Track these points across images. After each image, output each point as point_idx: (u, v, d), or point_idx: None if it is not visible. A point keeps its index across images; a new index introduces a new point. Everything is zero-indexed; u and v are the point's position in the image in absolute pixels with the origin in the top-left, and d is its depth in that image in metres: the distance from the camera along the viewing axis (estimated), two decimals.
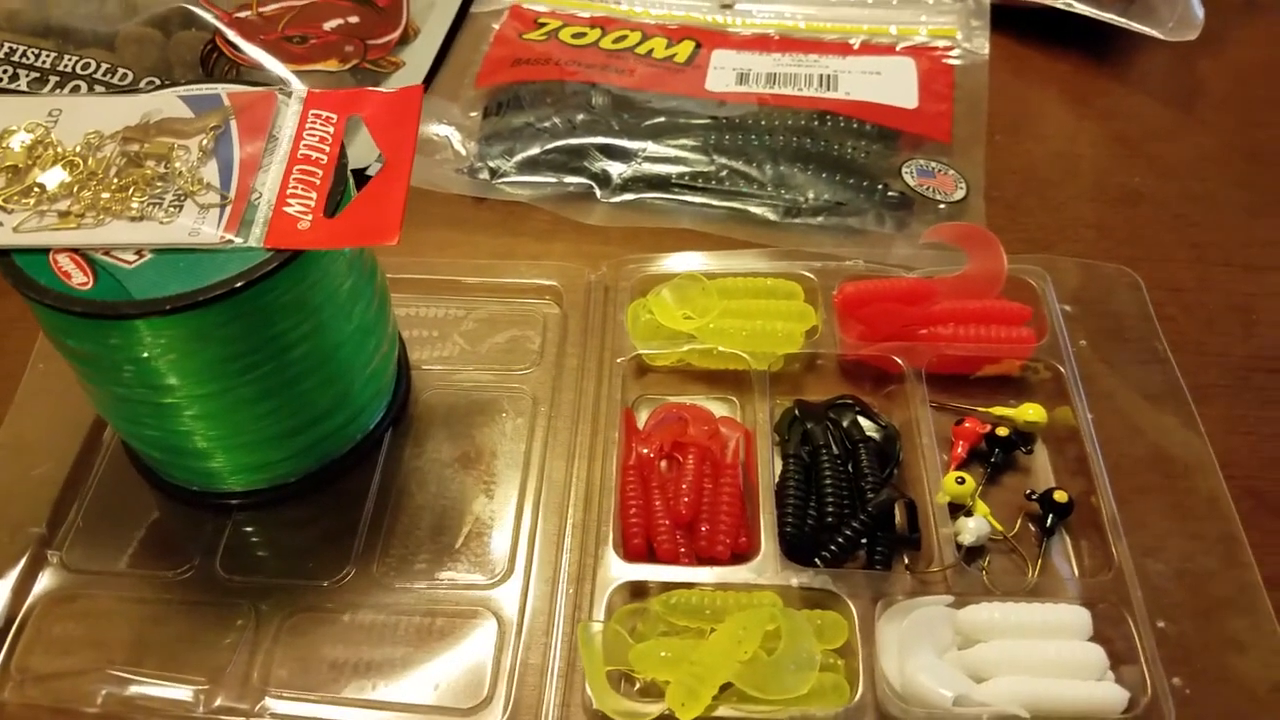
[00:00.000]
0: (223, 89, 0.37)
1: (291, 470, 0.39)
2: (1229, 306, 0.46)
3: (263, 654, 0.35)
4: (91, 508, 0.39)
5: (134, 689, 0.34)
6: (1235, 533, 0.37)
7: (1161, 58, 0.59)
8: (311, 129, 0.36)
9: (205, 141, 0.35)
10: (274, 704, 0.34)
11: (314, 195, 0.34)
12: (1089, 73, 0.58)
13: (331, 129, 0.36)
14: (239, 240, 0.32)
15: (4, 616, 0.36)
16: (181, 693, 0.34)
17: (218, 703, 0.34)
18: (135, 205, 0.33)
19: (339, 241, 0.33)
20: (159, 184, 0.34)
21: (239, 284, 0.31)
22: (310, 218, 0.33)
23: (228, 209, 0.33)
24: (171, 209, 0.33)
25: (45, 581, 0.37)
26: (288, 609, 0.37)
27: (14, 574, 0.37)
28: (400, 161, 0.35)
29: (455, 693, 0.34)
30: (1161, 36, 0.56)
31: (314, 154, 0.35)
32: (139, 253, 0.32)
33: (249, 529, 0.39)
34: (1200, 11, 0.55)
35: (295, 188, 0.34)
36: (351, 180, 0.35)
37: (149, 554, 0.38)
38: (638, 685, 0.34)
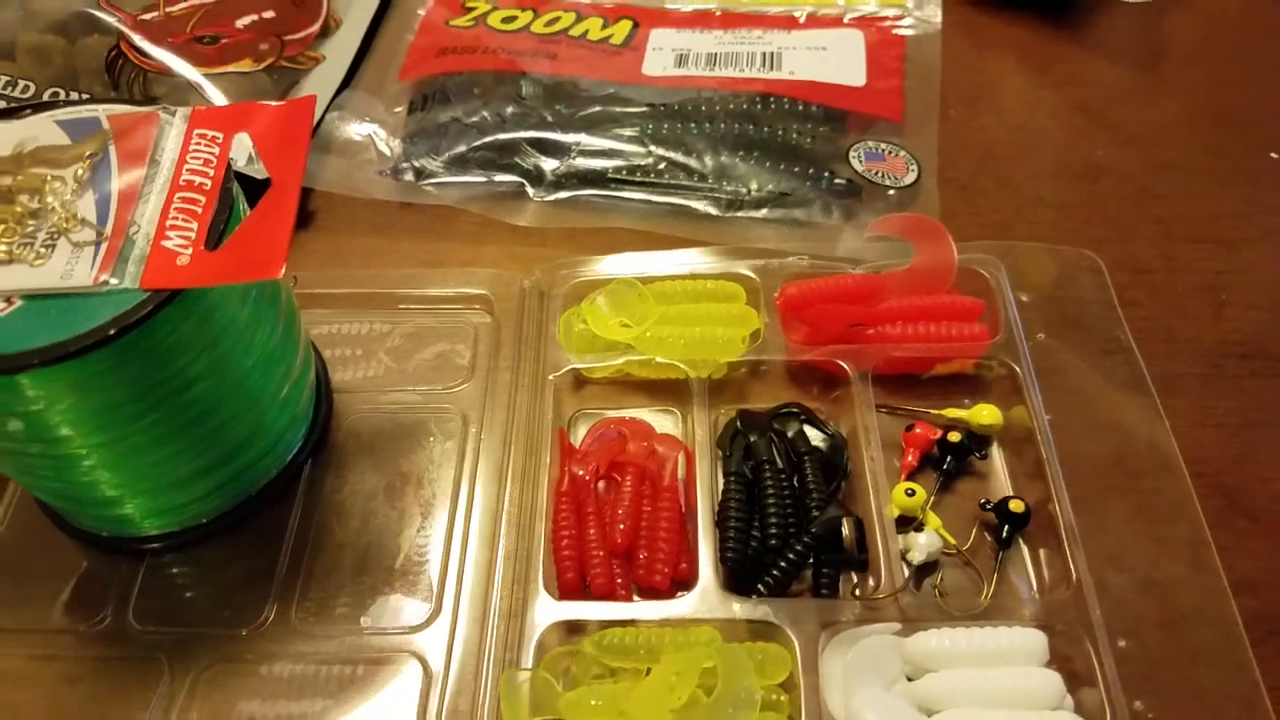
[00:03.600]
0: (102, 110, 0.34)
1: (206, 510, 0.37)
2: (1198, 287, 0.44)
3: (177, 712, 0.33)
4: None
5: None
6: (1202, 536, 0.35)
7: (1124, 16, 0.56)
8: (196, 151, 0.33)
9: (81, 171, 0.33)
10: None
11: (195, 225, 0.31)
12: (1048, 36, 0.56)
13: (217, 150, 0.33)
14: (114, 282, 0.30)
15: None
16: None
17: None
18: (4, 247, 0.31)
19: (219, 278, 0.30)
20: (31, 221, 0.31)
21: (112, 331, 0.29)
22: (190, 251, 0.30)
23: (103, 246, 0.31)
24: (43, 249, 0.31)
25: None
26: (204, 660, 0.35)
27: None
28: (288, 184, 0.32)
29: None
30: None
31: (197, 179, 0.32)
32: (8, 300, 0.30)
33: (164, 574, 0.37)
34: None
35: (176, 218, 0.31)
36: (241, 203, 0.33)
37: (60, 606, 0.36)
38: None
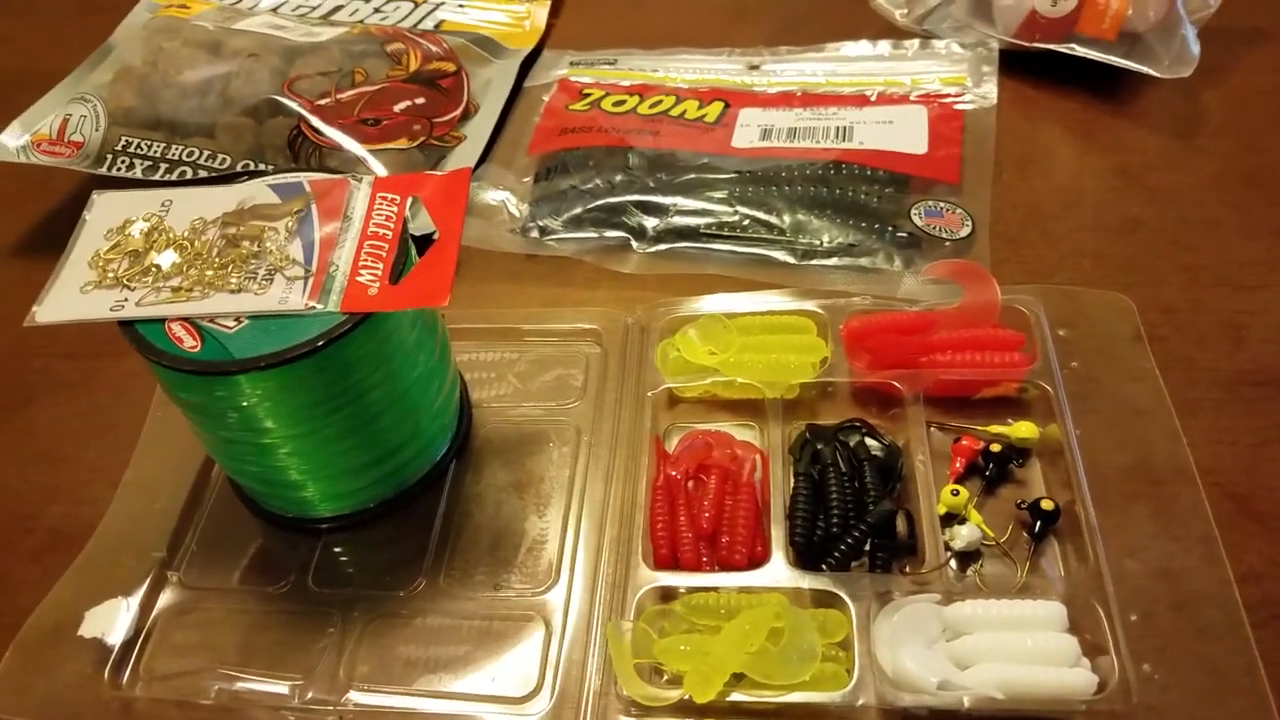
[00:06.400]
0: (304, 177, 0.44)
1: (371, 497, 0.45)
2: (1219, 324, 0.49)
3: (348, 654, 0.41)
4: (204, 534, 0.46)
5: (240, 685, 0.41)
6: (1212, 533, 0.41)
7: (1165, 92, 0.62)
8: (379, 209, 0.42)
9: (290, 224, 0.42)
10: (356, 696, 0.40)
11: (381, 266, 0.40)
12: (1094, 110, 0.62)
13: (395, 208, 0.42)
14: (320, 306, 0.39)
15: (134, 627, 0.43)
16: (280, 687, 0.40)
17: (310, 695, 0.40)
18: (234, 280, 0.40)
19: (401, 304, 0.39)
20: (253, 261, 0.41)
21: (320, 343, 0.38)
22: (378, 285, 0.39)
23: (310, 280, 0.40)
24: (264, 282, 0.40)
25: (166, 597, 0.44)
26: (369, 615, 0.43)
27: (140, 591, 0.44)
28: (451, 233, 0.41)
29: (509, 684, 0.40)
30: (1159, 74, 0.59)
31: (381, 230, 0.41)
32: (238, 319, 0.39)
33: (336, 549, 0.46)
34: (1196, 48, 0.59)
35: (366, 260, 0.40)
36: (413, 250, 0.42)
37: (252, 572, 0.45)
38: (666, 677, 0.39)
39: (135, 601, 0.44)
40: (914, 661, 0.36)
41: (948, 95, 0.63)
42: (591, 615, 0.41)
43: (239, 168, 0.60)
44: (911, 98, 0.63)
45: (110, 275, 0.40)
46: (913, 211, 0.55)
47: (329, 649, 0.42)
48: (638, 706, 0.38)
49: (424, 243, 0.42)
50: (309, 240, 0.41)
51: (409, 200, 0.43)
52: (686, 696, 0.37)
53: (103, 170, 0.60)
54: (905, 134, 0.60)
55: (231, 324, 0.39)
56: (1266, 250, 0.52)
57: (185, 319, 0.39)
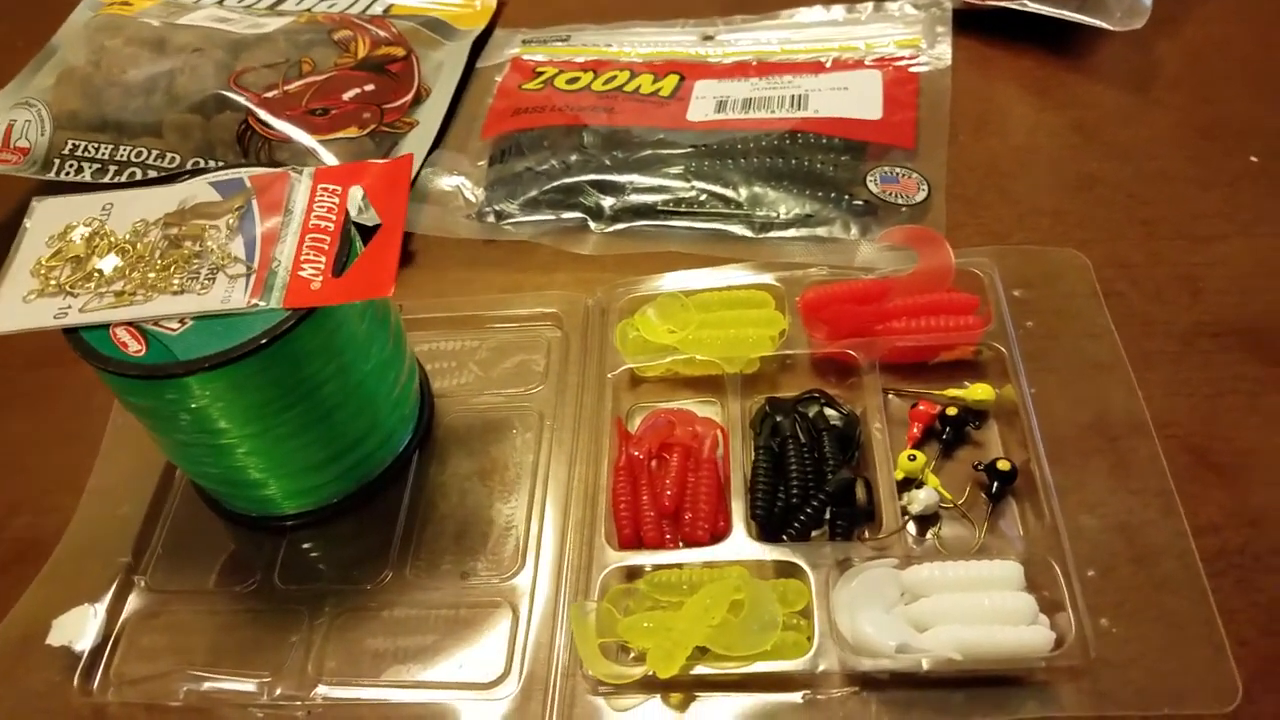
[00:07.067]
0: (245, 173, 0.43)
1: (334, 492, 0.45)
2: (1176, 277, 0.49)
3: (315, 649, 0.41)
4: (169, 538, 0.46)
5: (210, 685, 0.41)
6: (1169, 486, 0.41)
7: (1119, 46, 0.62)
8: (320, 201, 0.42)
9: (232, 221, 0.42)
10: (325, 690, 0.40)
11: (323, 259, 0.40)
12: (1049, 67, 0.62)
13: (337, 200, 0.42)
14: (263, 304, 0.38)
15: (102, 633, 0.43)
16: (248, 685, 0.41)
17: (278, 692, 0.40)
18: (176, 281, 0.40)
19: (345, 297, 0.39)
20: (195, 261, 0.40)
21: (264, 340, 0.38)
22: (321, 279, 0.39)
23: (253, 277, 0.39)
24: (206, 282, 0.39)
25: (134, 602, 0.44)
26: (336, 610, 0.43)
27: (107, 598, 0.44)
28: (394, 222, 0.41)
29: (478, 670, 0.40)
30: (1110, 27, 0.59)
31: (322, 223, 0.41)
32: (181, 321, 0.38)
33: (303, 545, 0.46)
34: (1148, 0, 0.59)
35: (308, 254, 0.40)
36: (357, 241, 0.41)
37: (219, 573, 0.45)
38: (632, 654, 0.39)
39: (102, 608, 0.44)
40: (872, 626, 0.37)
41: (902, 58, 0.62)
42: (558, 598, 0.41)
43: (188, 166, 0.60)
44: (866, 62, 0.62)
45: (53, 283, 0.40)
46: (868, 178, 0.55)
47: (297, 645, 0.42)
48: (604, 685, 0.38)
49: (372, 233, 0.41)
50: (250, 237, 0.41)
51: (349, 190, 0.42)
52: (650, 673, 0.37)
53: (51, 175, 0.60)
54: (860, 100, 0.59)
55: (175, 325, 0.38)
56: (1223, 201, 0.52)
57: (129, 323, 0.38)
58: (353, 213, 0.42)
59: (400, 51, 0.66)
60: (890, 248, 0.50)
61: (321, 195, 0.42)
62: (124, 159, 0.60)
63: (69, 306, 0.39)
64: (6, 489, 0.49)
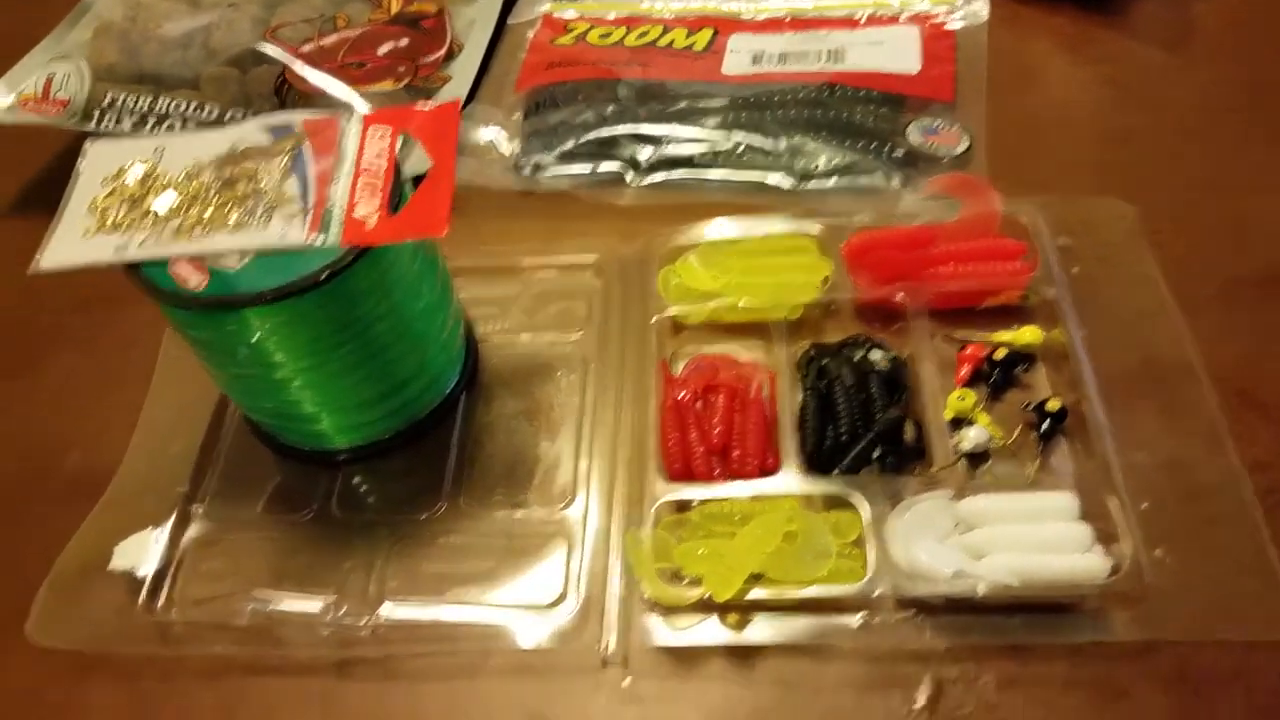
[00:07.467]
0: (296, 116, 0.43)
1: (385, 429, 0.46)
2: (1220, 228, 0.49)
3: (376, 571, 0.42)
4: (224, 470, 0.47)
5: (273, 605, 0.41)
6: (1218, 427, 0.41)
7: (1153, 3, 0.62)
8: (371, 144, 0.42)
9: (284, 162, 0.42)
10: (389, 608, 0.41)
11: (377, 200, 0.40)
12: (1084, 24, 0.62)
13: (386, 142, 0.42)
14: (321, 240, 0.39)
15: (164, 558, 0.43)
16: (313, 605, 0.41)
17: (344, 610, 0.41)
18: (233, 219, 0.40)
19: (400, 236, 0.39)
20: (250, 200, 0.40)
21: (324, 275, 0.38)
22: (376, 218, 0.39)
23: (309, 216, 0.39)
24: (263, 220, 0.40)
25: (193, 530, 0.44)
26: (394, 537, 0.43)
27: (167, 526, 0.44)
28: (445, 165, 0.41)
29: (536, 593, 0.40)
30: None
31: (374, 165, 0.41)
32: (241, 257, 0.39)
33: (355, 479, 0.46)
34: None
35: (361, 194, 0.40)
36: (408, 186, 0.41)
37: (275, 503, 0.45)
38: (686, 580, 0.39)
39: (163, 534, 0.44)
40: (927, 554, 0.37)
41: (937, 15, 0.62)
42: (609, 529, 0.42)
43: (227, 118, 0.60)
44: (901, 19, 0.62)
45: (110, 221, 0.40)
46: (909, 130, 0.55)
47: (357, 568, 0.42)
48: (661, 606, 0.39)
49: (418, 183, 0.41)
50: (304, 177, 0.41)
51: (400, 139, 0.42)
52: (707, 595, 0.37)
53: (91, 126, 0.60)
54: (897, 54, 0.59)
55: (235, 261, 0.39)
56: (1266, 151, 0.52)
57: (190, 257, 0.39)
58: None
59: (432, 8, 0.66)
60: (933, 197, 0.50)
61: (372, 138, 0.42)
62: (163, 111, 0.60)
63: (128, 242, 0.39)
64: (59, 427, 0.50)
